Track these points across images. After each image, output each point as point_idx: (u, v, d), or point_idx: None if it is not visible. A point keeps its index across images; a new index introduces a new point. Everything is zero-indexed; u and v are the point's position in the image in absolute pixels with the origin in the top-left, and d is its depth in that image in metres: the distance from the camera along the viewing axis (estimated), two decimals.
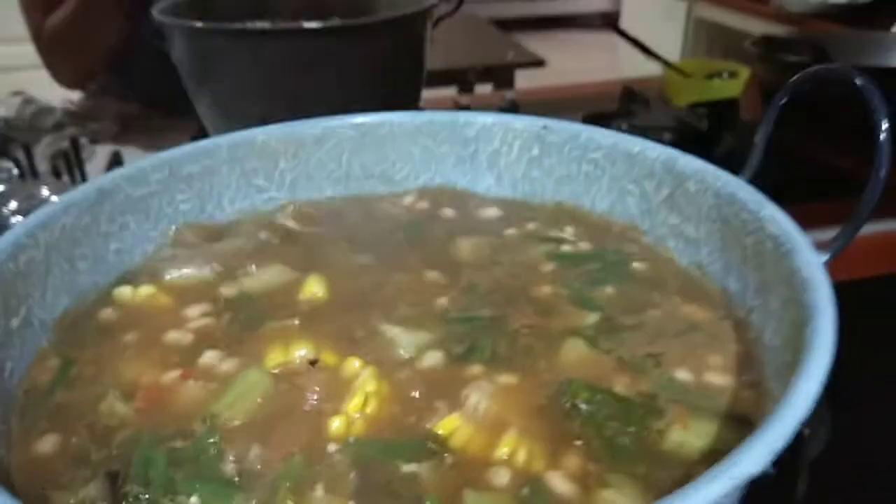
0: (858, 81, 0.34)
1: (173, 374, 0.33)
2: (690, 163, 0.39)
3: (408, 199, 0.50)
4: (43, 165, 0.96)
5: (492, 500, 0.27)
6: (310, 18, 1.00)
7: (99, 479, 0.27)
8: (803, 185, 0.87)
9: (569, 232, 0.44)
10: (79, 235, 0.38)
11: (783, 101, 0.39)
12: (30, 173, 0.85)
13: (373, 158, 0.50)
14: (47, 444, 0.30)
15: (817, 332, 0.25)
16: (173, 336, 0.36)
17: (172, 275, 0.41)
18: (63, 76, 1.22)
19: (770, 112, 0.39)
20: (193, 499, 0.27)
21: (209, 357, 0.34)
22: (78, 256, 0.38)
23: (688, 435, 0.29)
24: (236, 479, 0.28)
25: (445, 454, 0.29)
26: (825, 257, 0.34)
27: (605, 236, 0.44)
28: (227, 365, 0.34)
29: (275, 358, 0.34)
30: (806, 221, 0.35)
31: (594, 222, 0.45)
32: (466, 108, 1.11)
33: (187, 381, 0.32)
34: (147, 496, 0.27)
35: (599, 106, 1.10)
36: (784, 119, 0.40)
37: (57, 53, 1.17)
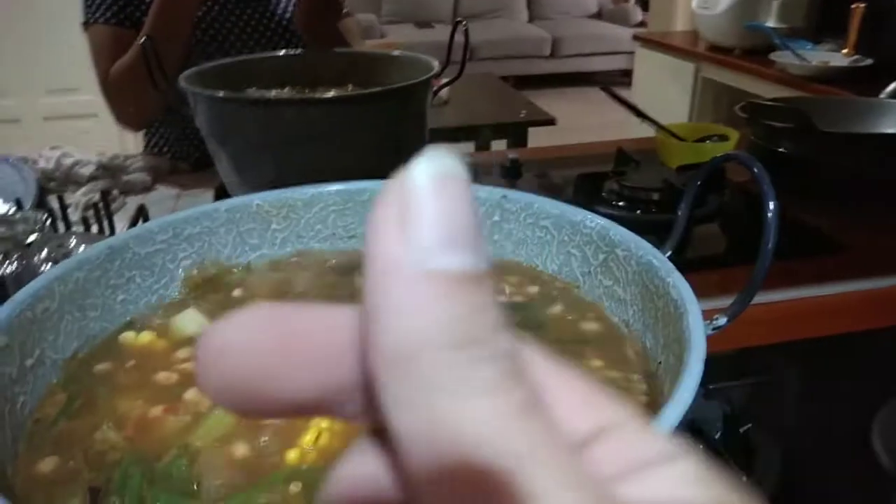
0: (755, 168, 0.40)
1: (158, 409, 0.39)
2: (620, 233, 0.45)
3: None
4: (75, 215, 1.05)
5: None
6: (325, 85, 1.08)
7: (82, 493, 0.33)
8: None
9: (531, 292, 0.50)
10: (90, 287, 0.45)
11: (699, 182, 0.44)
12: (62, 223, 0.94)
13: (355, 220, 0.57)
14: (47, 466, 0.36)
15: (679, 388, 0.30)
16: (163, 376, 0.42)
17: (169, 323, 0.47)
18: (124, 118, 1.34)
19: (689, 191, 0.45)
20: None
21: (190, 395, 0.40)
22: (88, 306, 0.45)
23: None
24: (195, 488, 0.33)
25: None
26: (723, 321, 0.39)
27: (552, 293, 0.49)
28: (204, 402, 0.39)
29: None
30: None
31: (545, 280, 0.51)
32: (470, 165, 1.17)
33: (169, 415, 0.38)
34: None
35: (595, 165, 1.16)
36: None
37: (118, 98, 1.29)
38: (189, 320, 0.47)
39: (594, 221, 0.47)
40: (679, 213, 0.45)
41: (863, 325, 0.71)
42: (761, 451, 0.56)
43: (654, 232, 0.46)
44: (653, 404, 0.38)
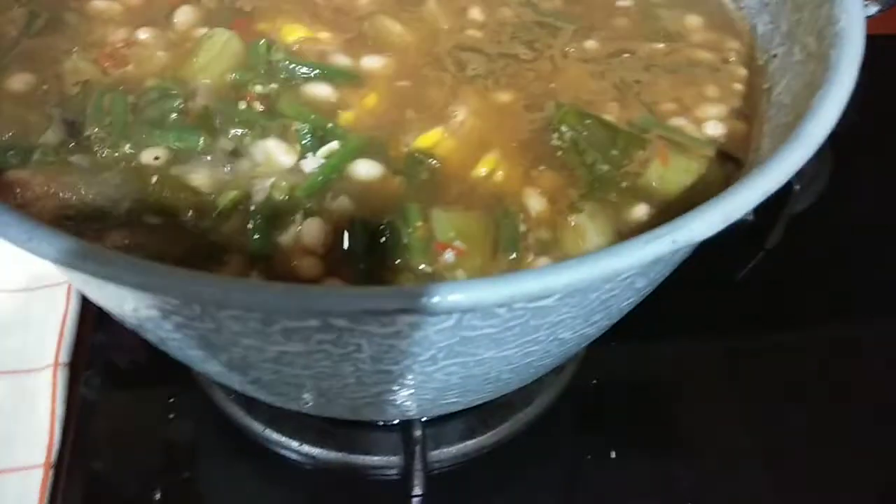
0: None
1: (144, 34, 0.31)
2: None
3: None
4: None
5: (459, 219, 0.27)
6: None
7: (56, 126, 0.28)
8: None
9: None
10: None
11: None
12: None
13: None
14: (18, 83, 0.30)
15: (828, 97, 0.23)
16: None
17: None
18: None
19: None
20: (157, 150, 0.28)
21: (180, 17, 0.32)
22: None
23: (667, 170, 0.29)
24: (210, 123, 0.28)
25: (425, 166, 0.28)
26: (873, 10, 0.30)
27: None
28: (204, 29, 0.32)
29: (294, 33, 0.32)
30: None
31: None
32: None
33: (153, 42, 0.31)
34: (104, 138, 0.28)
35: None
36: None
37: None
38: None
39: None
40: None
41: None
42: None
43: None
44: (752, 105, 0.31)
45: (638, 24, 0.34)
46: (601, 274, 0.18)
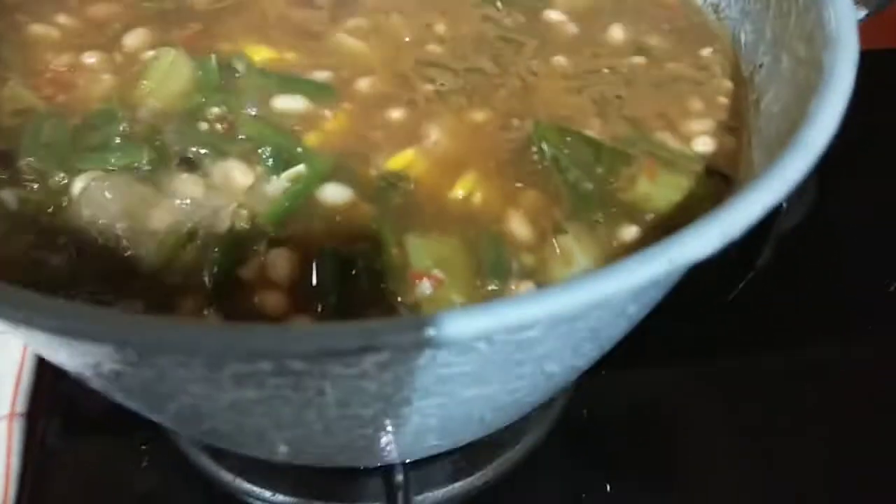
0: None
1: (88, 58, 0.29)
2: None
3: None
4: None
5: (436, 245, 0.25)
6: None
7: None
8: None
9: None
10: None
11: None
12: None
13: None
14: None
15: (826, 101, 0.21)
16: (96, 11, 0.31)
17: None
18: None
19: None
20: (89, 173, 0.25)
21: (132, 39, 0.30)
22: None
23: (654, 187, 0.27)
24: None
25: (398, 190, 0.26)
26: (862, 14, 0.28)
27: None
28: (156, 51, 0.29)
29: (258, 53, 0.30)
30: None
31: None
32: None
33: (103, 65, 0.29)
34: (38, 169, 0.25)
35: None
36: None
37: None
38: None
39: None
40: None
41: None
42: None
43: None
44: (739, 118, 0.30)
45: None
46: (593, 299, 0.16)
